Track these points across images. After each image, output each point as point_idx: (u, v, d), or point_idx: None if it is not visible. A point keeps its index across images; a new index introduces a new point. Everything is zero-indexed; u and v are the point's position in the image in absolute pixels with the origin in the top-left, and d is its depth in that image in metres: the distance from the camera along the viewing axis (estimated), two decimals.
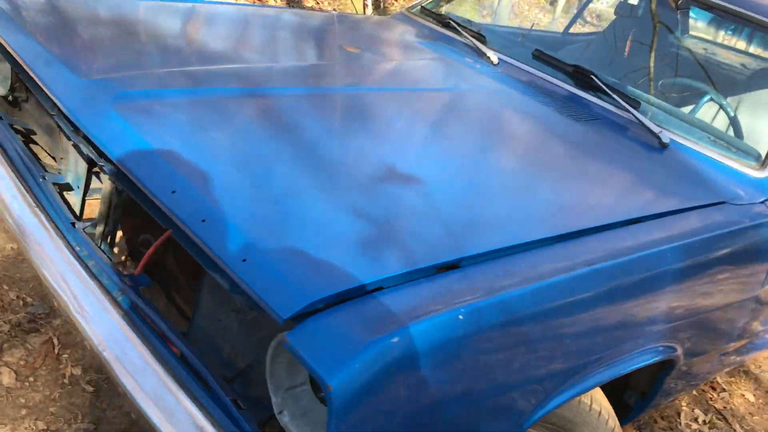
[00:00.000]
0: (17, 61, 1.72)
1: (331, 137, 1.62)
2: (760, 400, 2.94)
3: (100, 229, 1.68)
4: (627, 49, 2.77)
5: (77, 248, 1.51)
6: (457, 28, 2.65)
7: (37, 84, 1.63)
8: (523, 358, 1.27)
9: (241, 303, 1.25)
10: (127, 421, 2.05)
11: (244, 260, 1.15)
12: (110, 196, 1.64)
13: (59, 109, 1.58)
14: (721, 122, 2.39)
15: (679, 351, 1.72)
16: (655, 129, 2.11)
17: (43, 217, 1.57)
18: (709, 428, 2.68)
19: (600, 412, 1.64)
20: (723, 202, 1.88)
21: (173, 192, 1.29)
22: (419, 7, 2.91)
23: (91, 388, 2.14)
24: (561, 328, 1.32)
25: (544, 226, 1.46)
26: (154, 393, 1.28)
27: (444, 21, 2.74)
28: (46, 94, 1.60)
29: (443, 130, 1.87)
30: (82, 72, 1.63)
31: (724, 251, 1.74)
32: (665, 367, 1.77)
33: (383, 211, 1.37)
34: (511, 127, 2.05)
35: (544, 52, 2.47)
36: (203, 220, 1.23)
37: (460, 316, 1.14)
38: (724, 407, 2.82)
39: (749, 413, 2.83)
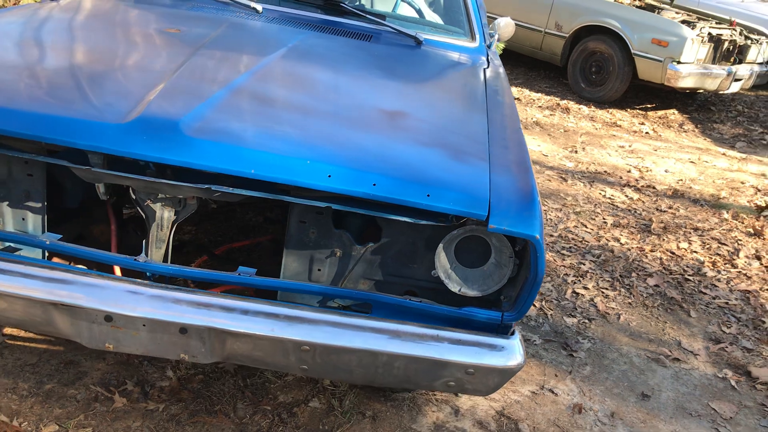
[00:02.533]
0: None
1: (320, 95, 2.03)
2: None
3: (160, 253, 1.80)
4: None
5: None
6: None
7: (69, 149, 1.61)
8: None
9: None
10: None
11: (428, 195, 1.64)
12: (164, 219, 1.77)
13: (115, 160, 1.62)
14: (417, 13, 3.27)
15: None
16: (411, 32, 2.88)
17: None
18: None
19: None
20: (482, 66, 2.80)
21: (329, 176, 1.63)
22: None
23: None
24: None
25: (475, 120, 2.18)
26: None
27: None
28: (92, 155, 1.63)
29: (334, 76, 2.33)
30: (104, 116, 1.65)
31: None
32: None
33: (427, 136, 1.92)
34: (336, 63, 2.50)
35: None
36: (374, 184, 1.63)
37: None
38: None
39: None
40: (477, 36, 3.06)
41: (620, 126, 6.60)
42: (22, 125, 1.62)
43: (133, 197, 1.76)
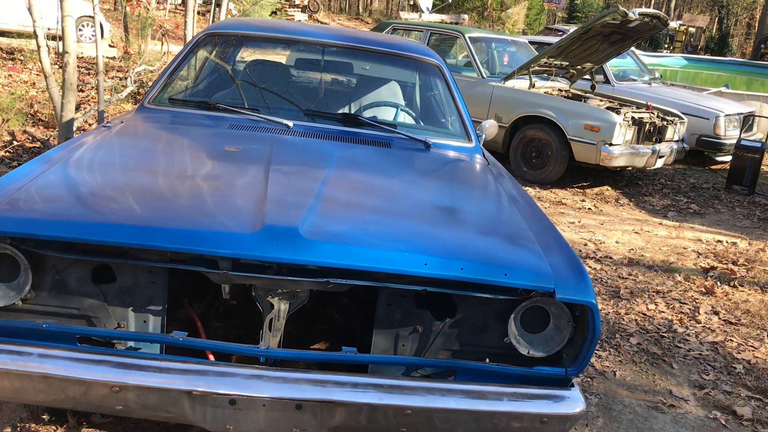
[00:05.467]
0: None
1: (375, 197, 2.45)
2: None
3: (276, 340, 2.10)
4: (321, 91, 3.84)
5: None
6: (230, 108, 3.28)
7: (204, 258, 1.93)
8: None
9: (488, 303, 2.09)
10: None
11: (506, 275, 2.02)
12: (280, 311, 2.08)
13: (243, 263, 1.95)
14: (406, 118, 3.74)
15: None
16: (421, 137, 3.33)
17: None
18: None
19: None
20: (483, 163, 3.27)
21: (425, 264, 1.99)
22: (166, 98, 3.35)
23: None
24: None
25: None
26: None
27: (211, 105, 3.30)
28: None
29: (384, 180, 2.72)
30: (236, 228, 1.98)
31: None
32: None
33: (483, 226, 2.33)
34: (378, 168, 2.90)
35: (312, 109, 3.37)
36: (462, 268, 2.01)
37: None
38: None
39: None
40: (472, 137, 3.54)
41: (565, 204, 7.23)
42: (168, 240, 1.93)
43: (254, 294, 2.07)
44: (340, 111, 3.50)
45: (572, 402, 2.12)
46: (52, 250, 1.97)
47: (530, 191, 7.55)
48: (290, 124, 3.22)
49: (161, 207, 2.13)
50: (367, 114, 3.63)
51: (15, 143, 5.67)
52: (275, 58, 4.25)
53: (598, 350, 3.78)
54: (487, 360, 2.15)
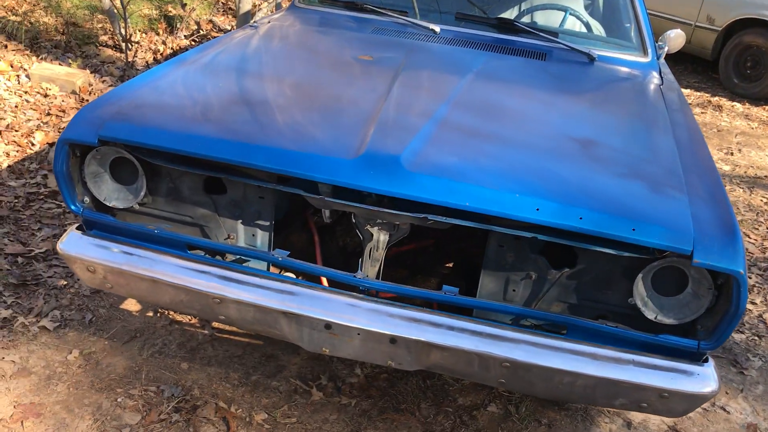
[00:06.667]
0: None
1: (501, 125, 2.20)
2: None
3: (374, 270, 2.00)
4: None
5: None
6: (378, 9, 3.09)
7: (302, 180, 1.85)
8: None
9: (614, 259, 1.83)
10: None
11: (634, 230, 1.73)
12: (380, 241, 1.96)
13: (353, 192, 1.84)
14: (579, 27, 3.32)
15: None
16: (585, 49, 2.94)
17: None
18: None
19: None
20: (657, 83, 2.83)
21: (537, 209, 1.76)
22: None
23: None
24: None
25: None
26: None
27: (358, 5, 3.13)
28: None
29: (522, 102, 2.44)
30: (336, 152, 1.86)
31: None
32: None
33: (622, 166, 2.01)
34: (521, 87, 2.58)
35: (464, 13, 3.09)
36: (580, 218, 1.74)
37: None
38: None
39: None
40: (649, 50, 3.08)
41: None
42: (265, 159, 1.86)
43: (354, 221, 1.97)
44: (498, 14, 3.16)
45: (702, 380, 1.82)
46: (159, 159, 1.98)
47: (738, 107, 6.65)
48: (437, 29, 2.98)
49: (268, 123, 2.05)
50: (530, 18, 3.27)
51: (201, 32, 5.91)
52: None
53: None
54: (604, 322, 1.90)
